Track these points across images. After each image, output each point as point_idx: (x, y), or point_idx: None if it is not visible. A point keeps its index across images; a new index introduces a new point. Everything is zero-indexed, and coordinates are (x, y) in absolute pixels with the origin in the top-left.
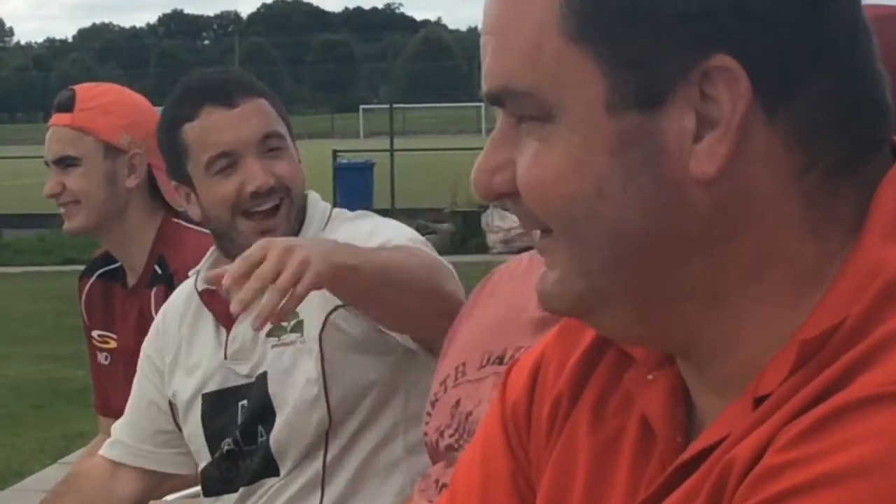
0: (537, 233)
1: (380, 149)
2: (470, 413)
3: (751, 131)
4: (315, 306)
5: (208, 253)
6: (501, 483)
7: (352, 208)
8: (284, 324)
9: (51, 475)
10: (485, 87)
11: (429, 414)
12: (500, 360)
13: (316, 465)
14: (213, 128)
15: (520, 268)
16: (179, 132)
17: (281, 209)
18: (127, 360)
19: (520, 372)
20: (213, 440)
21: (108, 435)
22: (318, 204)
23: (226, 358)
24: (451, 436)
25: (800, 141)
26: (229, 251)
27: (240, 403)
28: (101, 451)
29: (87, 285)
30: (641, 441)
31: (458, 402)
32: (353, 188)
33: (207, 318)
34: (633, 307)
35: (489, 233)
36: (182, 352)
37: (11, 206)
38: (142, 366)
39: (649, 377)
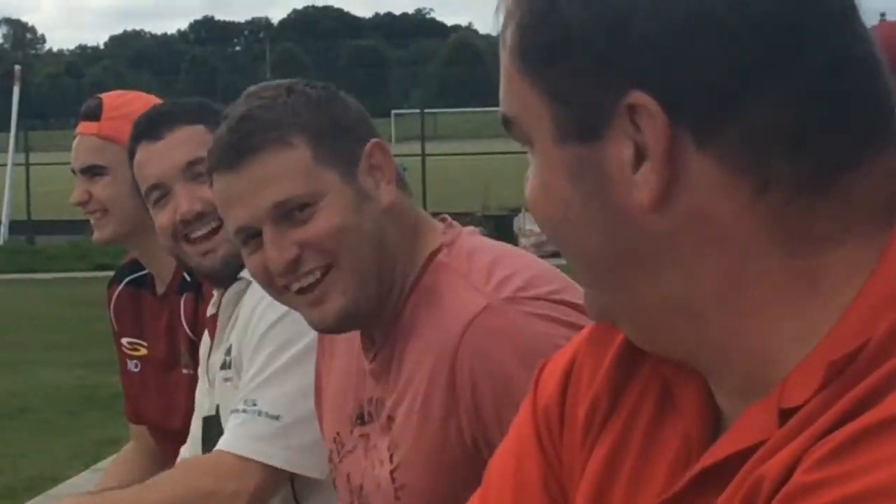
0: None
1: (411, 153)
2: (361, 486)
3: (683, 161)
4: (243, 350)
5: None
6: (533, 485)
7: None
8: (228, 357)
9: (83, 481)
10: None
11: (335, 486)
12: (361, 419)
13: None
14: (143, 162)
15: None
16: (132, 168)
17: (220, 232)
18: (157, 367)
19: (551, 375)
20: None
21: (139, 442)
22: None
23: (209, 383)
24: None
25: (743, 165)
26: (194, 273)
27: (216, 432)
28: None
29: (116, 293)
30: (682, 439)
31: (348, 476)
32: None
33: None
34: (631, 321)
35: (521, 237)
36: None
37: (44, 212)
38: (200, 384)
39: (685, 373)
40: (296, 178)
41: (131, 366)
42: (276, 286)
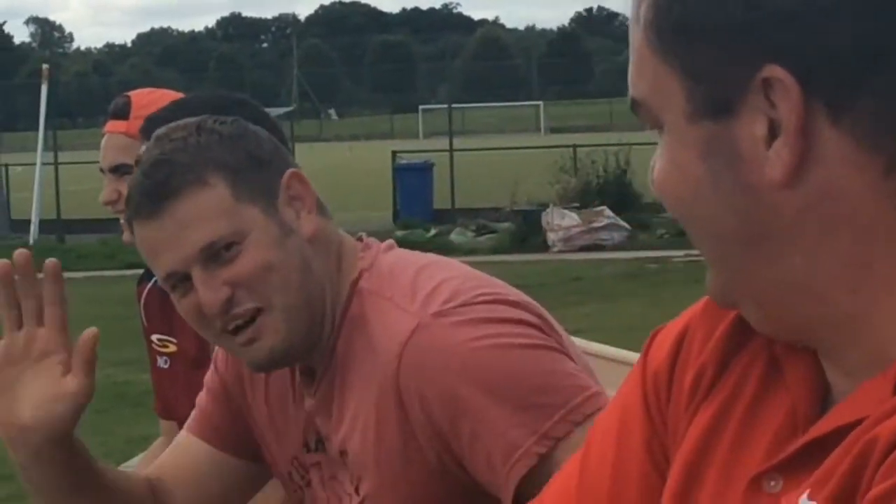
0: None
1: (439, 149)
2: None
3: (816, 136)
4: None
5: None
6: (636, 447)
7: (412, 209)
8: None
9: None
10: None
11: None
12: (308, 448)
13: None
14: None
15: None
16: None
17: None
18: (186, 363)
19: (663, 341)
20: None
21: (169, 438)
22: None
23: None
24: None
25: (875, 141)
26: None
27: None
28: None
29: (146, 290)
30: (788, 412)
31: None
32: (412, 189)
33: None
34: (753, 301)
35: (549, 231)
36: None
37: (74, 211)
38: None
39: (794, 351)
40: (218, 219)
41: (161, 362)
42: (214, 328)
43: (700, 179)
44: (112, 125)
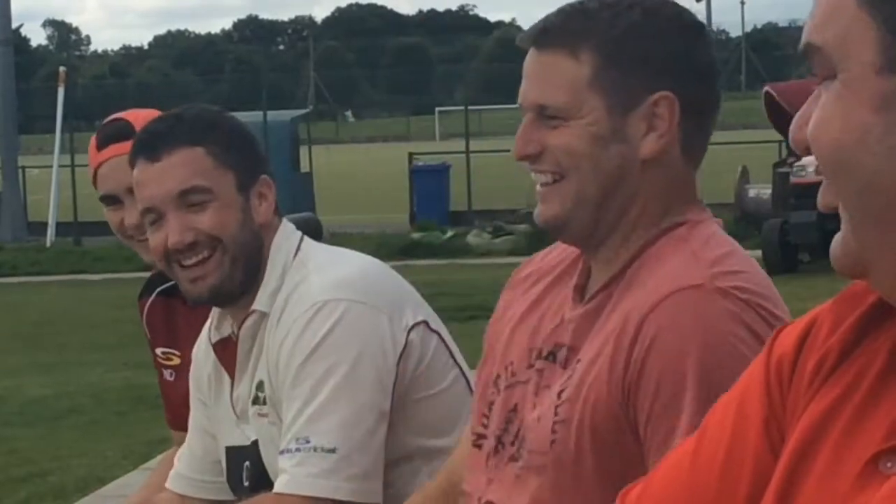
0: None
1: (456, 151)
2: (523, 419)
3: None
4: (278, 387)
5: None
6: (753, 426)
7: (429, 211)
8: (260, 393)
9: (132, 481)
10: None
11: (486, 415)
12: (541, 356)
13: None
14: (139, 182)
15: (552, 257)
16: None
17: (212, 259)
18: None
19: (791, 331)
20: (233, 489)
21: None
22: (280, 247)
23: (236, 416)
24: (512, 444)
25: None
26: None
27: (245, 464)
28: (167, 484)
29: (148, 303)
30: None
31: (515, 407)
32: (429, 191)
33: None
34: (890, 263)
35: None
36: (213, 397)
37: (90, 213)
38: (192, 393)
39: None
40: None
41: (167, 375)
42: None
43: (868, 129)
44: (120, 148)
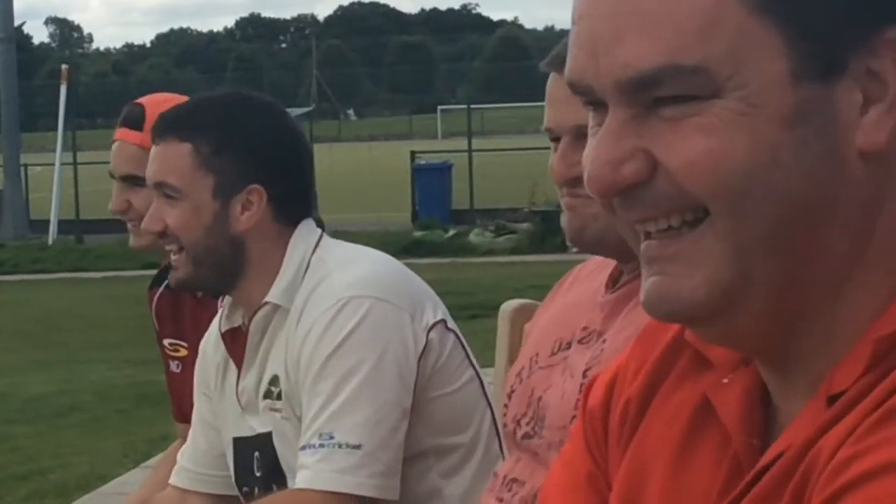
0: (650, 242)
1: (458, 149)
2: (540, 398)
3: None
4: (297, 387)
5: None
6: (582, 482)
7: (431, 209)
8: (273, 388)
9: (134, 479)
10: (622, 73)
11: (505, 406)
12: (569, 345)
13: None
14: (149, 160)
15: (592, 264)
16: None
17: (180, 255)
18: None
19: (601, 381)
20: (238, 481)
21: (185, 440)
22: (297, 246)
23: (241, 407)
24: (528, 424)
25: None
26: None
27: (255, 454)
28: (171, 479)
29: (157, 295)
30: (719, 444)
31: (532, 391)
32: (431, 189)
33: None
34: (772, 298)
35: None
36: (218, 389)
37: (93, 211)
38: (196, 387)
39: (724, 381)
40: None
41: (174, 366)
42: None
43: (777, 145)
44: (126, 134)
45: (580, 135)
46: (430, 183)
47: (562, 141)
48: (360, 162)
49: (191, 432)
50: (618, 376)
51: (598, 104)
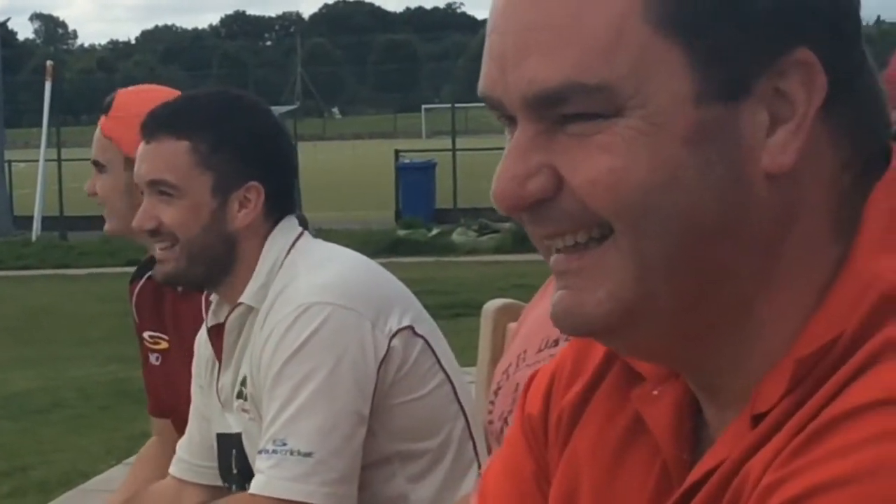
0: (558, 256)
1: (442, 148)
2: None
3: (814, 127)
4: (259, 386)
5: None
6: (527, 480)
7: (415, 208)
8: (244, 388)
9: (116, 476)
10: (528, 88)
11: (491, 403)
12: (556, 343)
13: None
14: (138, 157)
15: None
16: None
17: (171, 250)
18: (178, 359)
19: (539, 382)
20: (222, 476)
21: (161, 437)
22: (274, 244)
23: (220, 403)
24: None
25: (843, 136)
26: None
27: (232, 451)
28: (170, 469)
29: (138, 287)
30: (648, 456)
31: (517, 387)
32: (415, 188)
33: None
34: (676, 315)
35: None
36: (208, 383)
37: (76, 208)
38: (193, 379)
39: (654, 393)
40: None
41: (153, 359)
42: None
43: (679, 165)
44: (100, 119)
45: None
46: (414, 182)
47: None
48: (344, 160)
49: (188, 424)
50: (554, 382)
51: (510, 119)
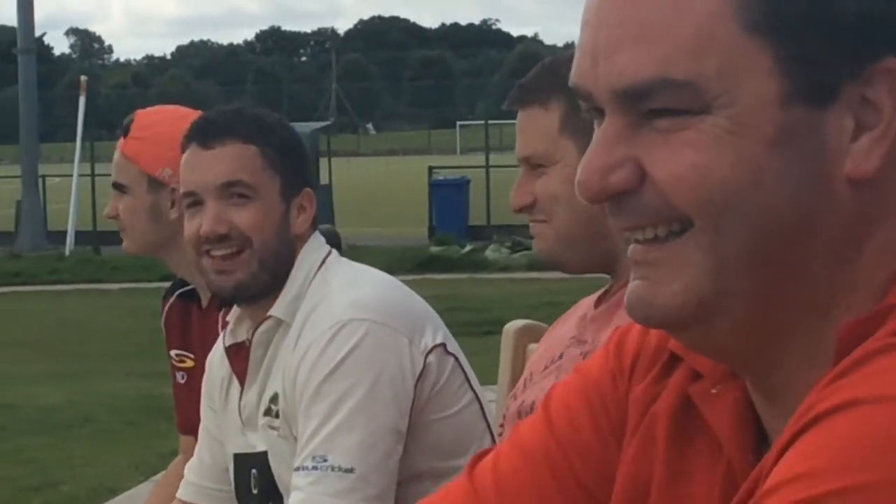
0: (636, 246)
1: (476, 165)
2: (533, 403)
3: None
4: (294, 403)
5: (234, 307)
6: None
7: (448, 224)
8: (273, 406)
9: (143, 492)
10: (617, 81)
11: (501, 425)
12: (561, 356)
13: None
14: (187, 166)
15: (590, 299)
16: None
17: (240, 256)
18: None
19: (629, 346)
20: (238, 498)
21: (187, 455)
22: (306, 258)
23: (242, 422)
24: None
25: None
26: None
27: (252, 471)
28: (178, 492)
29: (168, 305)
30: (710, 454)
31: (522, 402)
32: (448, 204)
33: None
34: (750, 313)
35: None
36: (222, 404)
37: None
38: (203, 400)
39: (713, 391)
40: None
41: (179, 377)
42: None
43: (761, 167)
44: (120, 141)
45: (534, 164)
46: (448, 198)
47: (520, 171)
48: (377, 176)
49: (197, 446)
50: (641, 353)
51: (598, 111)
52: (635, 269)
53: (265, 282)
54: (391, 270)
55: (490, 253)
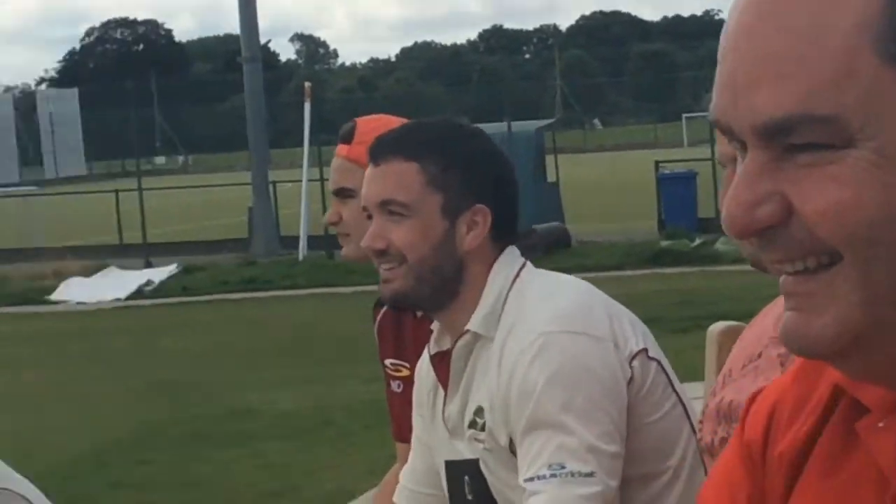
0: (787, 278)
1: (703, 157)
2: (731, 401)
3: None
4: (502, 422)
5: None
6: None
7: (677, 218)
8: (478, 419)
9: None
10: (756, 118)
11: (701, 422)
12: (759, 355)
13: None
14: (365, 180)
15: None
16: None
17: (398, 270)
18: None
19: (758, 410)
20: (454, 503)
21: (403, 462)
22: (500, 272)
23: (448, 431)
24: (724, 429)
25: None
26: None
27: (465, 478)
28: (394, 497)
29: (380, 314)
30: (878, 490)
31: (721, 399)
32: (676, 198)
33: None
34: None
35: None
36: (430, 411)
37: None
38: (414, 407)
39: (880, 424)
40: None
41: (394, 386)
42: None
43: None
44: (339, 148)
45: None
46: (676, 192)
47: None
48: (604, 172)
49: (411, 452)
50: (775, 413)
51: (742, 144)
52: (787, 301)
53: (425, 295)
54: (621, 265)
55: (721, 245)
